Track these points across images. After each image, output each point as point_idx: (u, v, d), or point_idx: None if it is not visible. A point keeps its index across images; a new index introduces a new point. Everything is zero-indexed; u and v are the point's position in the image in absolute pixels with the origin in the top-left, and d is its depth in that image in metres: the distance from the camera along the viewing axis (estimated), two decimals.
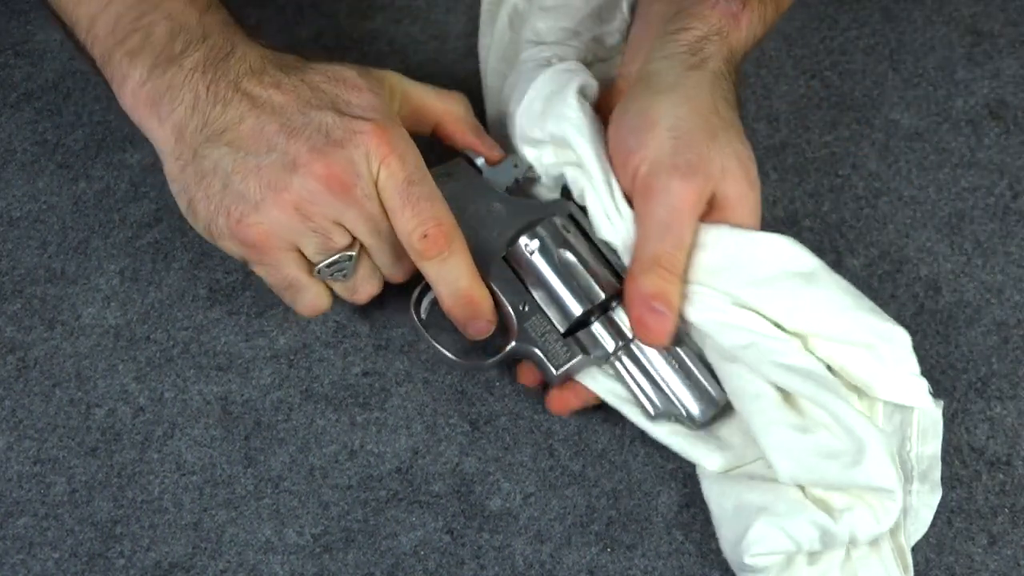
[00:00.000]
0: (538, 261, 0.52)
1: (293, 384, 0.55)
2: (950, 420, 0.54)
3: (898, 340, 0.49)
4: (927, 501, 0.49)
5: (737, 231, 0.50)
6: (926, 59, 0.69)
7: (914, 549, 0.50)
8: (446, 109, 0.56)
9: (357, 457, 0.53)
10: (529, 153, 0.56)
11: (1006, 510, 0.51)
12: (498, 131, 0.60)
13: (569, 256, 0.52)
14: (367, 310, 0.58)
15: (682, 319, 0.50)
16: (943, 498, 0.51)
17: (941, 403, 0.49)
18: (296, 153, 0.49)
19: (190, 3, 0.52)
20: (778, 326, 0.49)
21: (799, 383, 0.48)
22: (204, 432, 0.54)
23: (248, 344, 0.57)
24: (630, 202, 0.52)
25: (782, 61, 0.69)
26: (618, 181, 0.52)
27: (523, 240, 0.52)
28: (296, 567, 0.50)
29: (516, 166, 0.56)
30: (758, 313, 0.49)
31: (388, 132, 0.49)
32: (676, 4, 0.55)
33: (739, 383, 0.49)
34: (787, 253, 0.50)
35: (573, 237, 0.53)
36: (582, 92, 0.55)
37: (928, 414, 0.49)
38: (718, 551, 0.50)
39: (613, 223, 0.52)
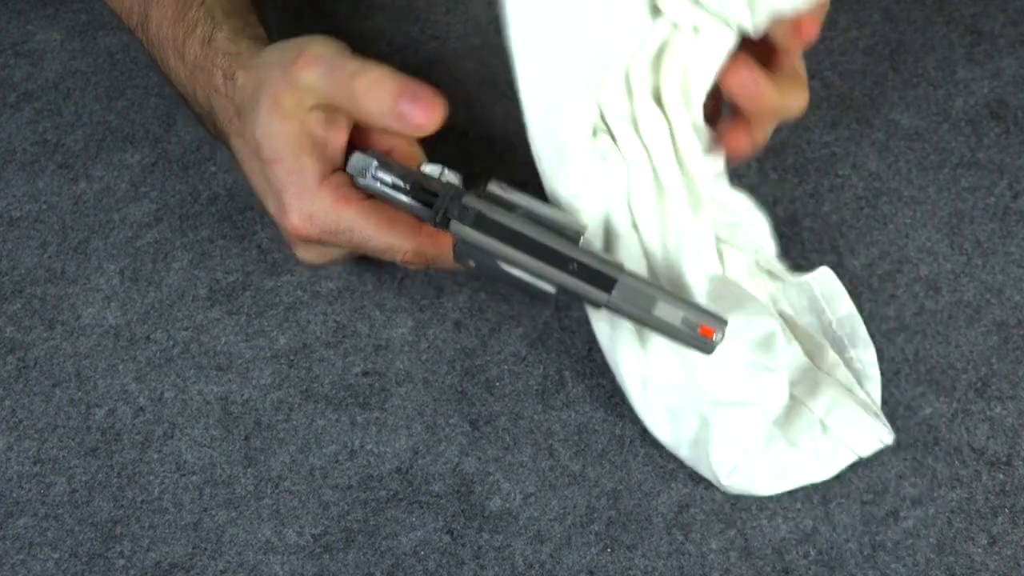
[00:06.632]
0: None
1: (293, 384, 0.55)
2: (950, 420, 0.54)
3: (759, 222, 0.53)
4: (867, 359, 0.54)
5: None
6: (926, 59, 0.69)
7: (914, 549, 0.50)
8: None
9: (357, 457, 0.53)
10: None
11: (1006, 510, 0.51)
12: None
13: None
14: (367, 310, 0.58)
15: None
16: (943, 498, 0.51)
17: (826, 268, 0.55)
18: (272, 210, 0.52)
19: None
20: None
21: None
22: (204, 432, 0.54)
23: (248, 344, 0.57)
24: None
25: None
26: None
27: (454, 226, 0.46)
28: (296, 567, 0.50)
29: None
30: None
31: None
32: None
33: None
34: None
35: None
36: None
37: (821, 278, 0.55)
38: (718, 551, 0.50)
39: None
